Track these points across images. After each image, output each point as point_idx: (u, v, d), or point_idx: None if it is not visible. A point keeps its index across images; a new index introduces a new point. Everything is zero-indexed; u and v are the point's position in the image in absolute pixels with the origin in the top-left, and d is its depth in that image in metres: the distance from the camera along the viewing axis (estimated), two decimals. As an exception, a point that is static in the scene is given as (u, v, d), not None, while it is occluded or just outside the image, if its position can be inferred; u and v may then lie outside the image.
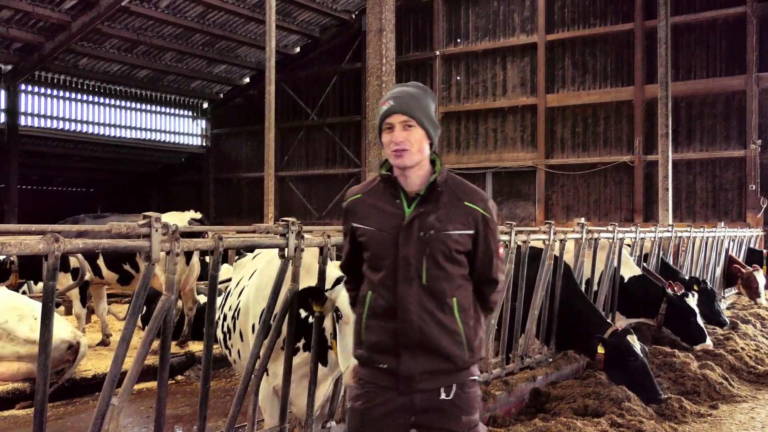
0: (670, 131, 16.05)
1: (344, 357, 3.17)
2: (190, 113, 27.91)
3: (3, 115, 21.80)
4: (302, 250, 3.76)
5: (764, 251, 14.08)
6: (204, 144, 28.29)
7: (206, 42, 22.90)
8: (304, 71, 25.33)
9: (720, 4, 18.39)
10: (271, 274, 3.97)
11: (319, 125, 25.19)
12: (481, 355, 2.81)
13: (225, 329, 4.49)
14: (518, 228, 5.59)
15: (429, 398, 2.69)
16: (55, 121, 23.72)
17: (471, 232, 2.73)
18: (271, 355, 3.80)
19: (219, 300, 4.56)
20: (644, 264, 8.47)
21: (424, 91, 2.80)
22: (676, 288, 7.37)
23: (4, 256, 8.67)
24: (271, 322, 3.77)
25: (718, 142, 18.54)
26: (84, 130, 24.51)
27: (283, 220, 3.73)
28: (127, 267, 8.38)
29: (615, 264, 7.39)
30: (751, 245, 14.95)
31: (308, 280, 3.86)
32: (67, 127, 24.06)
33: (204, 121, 28.25)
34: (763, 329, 9.27)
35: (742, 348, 7.74)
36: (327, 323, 3.73)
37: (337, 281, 3.65)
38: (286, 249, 3.69)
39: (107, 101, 25.13)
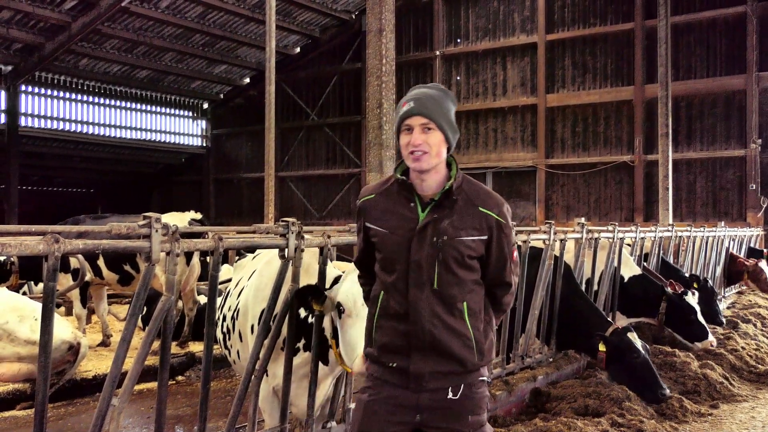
0: (670, 131, 16.05)
1: (350, 349, 3.16)
2: (191, 113, 27.91)
3: (3, 115, 21.80)
4: (302, 250, 3.76)
5: (764, 250, 14.09)
6: (204, 144, 28.29)
7: (206, 42, 22.90)
8: (304, 71, 25.33)
9: (720, 3, 18.37)
10: (270, 274, 3.97)
11: (320, 125, 25.19)
12: (491, 358, 2.81)
13: (224, 329, 4.49)
14: (518, 228, 5.60)
15: (436, 397, 2.69)
16: (55, 122, 23.72)
17: (484, 237, 2.71)
18: (271, 355, 3.80)
19: (219, 300, 4.56)
20: (644, 263, 8.47)
21: (445, 93, 2.76)
22: (676, 287, 7.37)
23: (5, 257, 8.67)
24: (271, 323, 3.77)
25: (719, 141, 18.53)
26: (84, 131, 24.51)
27: (283, 221, 3.73)
28: (127, 267, 8.38)
29: (615, 264, 7.39)
30: (752, 245, 14.98)
31: (308, 280, 3.86)
32: (67, 128, 24.06)
33: (204, 122, 28.25)
34: (764, 328, 9.27)
35: (742, 347, 7.75)
36: (326, 323, 3.73)
37: (336, 280, 3.66)
38: (286, 249, 3.69)
39: (107, 102, 25.13)
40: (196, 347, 8.31)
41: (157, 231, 2.94)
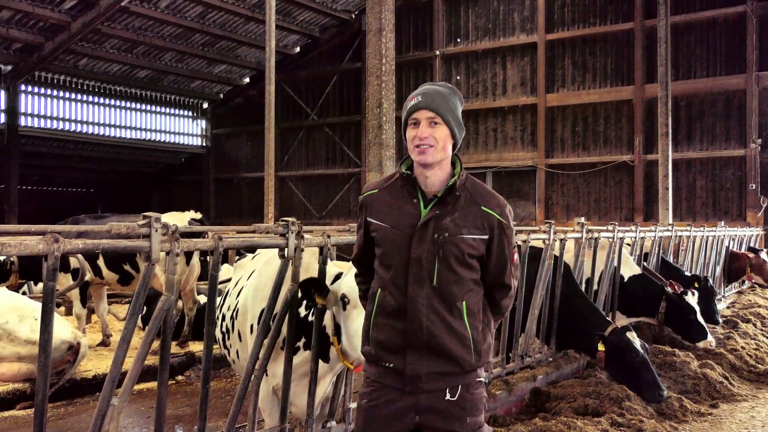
0: (670, 130, 16.05)
1: (356, 339, 3.16)
2: (190, 113, 27.91)
3: (3, 115, 21.80)
4: (302, 250, 3.76)
5: (764, 250, 14.08)
6: (204, 144, 28.30)
7: (206, 42, 22.90)
8: (304, 71, 25.33)
9: (720, 3, 18.38)
10: (269, 274, 3.97)
11: (319, 125, 25.20)
12: (488, 359, 2.81)
13: (224, 329, 4.49)
14: (518, 227, 5.59)
15: (434, 399, 2.69)
16: (55, 122, 23.73)
17: (485, 237, 2.71)
18: (270, 355, 3.80)
19: (218, 300, 4.56)
20: (644, 263, 8.47)
21: (452, 91, 2.78)
22: (675, 287, 7.37)
23: (4, 257, 8.67)
24: (271, 323, 3.77)
25: (718, 141, 18.54)
26: (84, 131, 24.52)
27: (283, 220, 3.73)
28: (127, 267, 8.38)
29: (615, 263, 7.39)
30: (751, 244, 14.96)
31: (307, 279, 3.86)
32: (67, 128, 24.06)
33: (204, 121, 28.25)
34: (764, 328, 9.28)
35: (742, 347, 7.75)
36: (327, 320, 3.73)
37: (337, 277, 3.66)
38: (286, 249, 3.69)
39: (107, 101, 25.13)
40: (196, 347, 8.31)
41: (156, 231, 2.94)
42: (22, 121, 22.34)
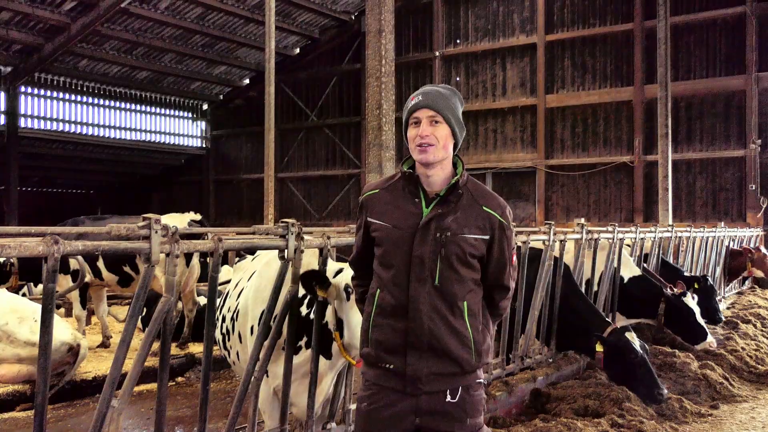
0: (669, 131, 16.05)
1: (359, 330, 3.16)
2: (190, 115, 27.91)
3: (3, 117, 21.80)
4: (302, 251, 3.76)
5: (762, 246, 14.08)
6: (204, 145, 28.30)
7: (206, 43, 22.91)
8: (303, 72, 25.34)
9: (719, 4, 18.38)
10: (269, 275, 3.97)
11: (319, 126, 25.20)
12: (487, 360, 2.81)
13: (224, 331, 4.49)
14: (518, 228, 5.59)
15: (435, 400, 2.69)
16: (54, 123, 23.73)
17: (486, 237, 2.72)
18: (271, 357, 3.79)
19: (218, 302, 4.55)
20: (644, 264, 8.47)
21: (453, 92, 2.80)
22: (677, 288, 7.36)
23: (4, 258, 8.67)
24: (272, 324, 3.76)
25: (718, 142, 18.54)
26: (84, 132, 24.52)
27: (282, 222, 3.73)
28: (127, 269, 8.38)
29: (615, 264, 7.39)
30: (751, 245, 14.95)
31: (307, 280, 3.86)
32: (66, 129, 24.07)
33: (204, 123, 28.26)
34: (763, 329, 9.27)
35: (742, 348, 7.74)
36: (329, 316, 3.72)
37: (338, 273, 3.66)
38: (286, 250, 3.69)
39: (107, 103, 25.14)
40: (196, 348, 8.31)
41: (156, 232, 2.93)
42: (22, 123, 22.35)
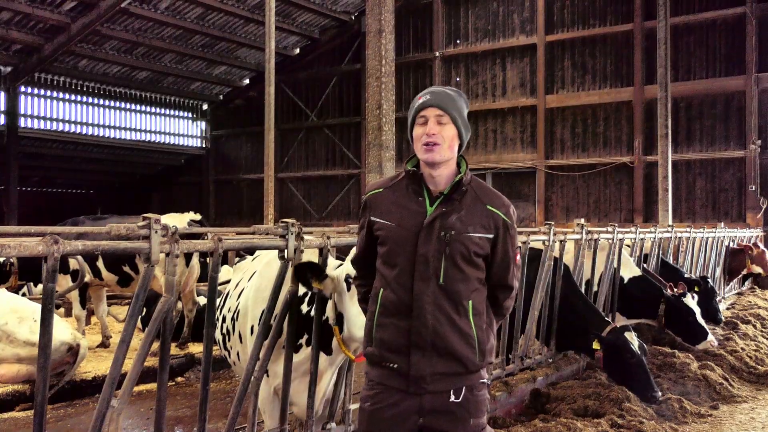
0: (669, 132, 16.05)
1: (360, 319, 3.15)
2: (190, 115, 27.92)
3: (3, 117, 21.82)
4: (302, 251, 3.76)
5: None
6: (204, 145, 28.31)
7: (206, 43, 22.92)
8: (303, 72, 25.35)
9: (719, 4, 18.40)
10: (269, 275, 3.97)
11: (319, 126, 25.21)
12: (491, 360, 2.80)
13: (224, 331, 4.48)
14: (518, 229, 5.57)
15: (438, 400, 2.68)
16: (54, 123, 23.74)
17: (491, 236, 2.72)
18: (271, 356, 3.79)
19: (218, 302, 4.55)
20: (644, 265, 8.47)
21: (459, 94, 2.81)
22: (678, 289, 7.35)
23: (4, 258, 8.67)
24: (272, 323, 3.76)
25: (718, 142, 18.55)
26: (84, 132, 24.54)
27: (282, 222, 3.73)
28: (126, 269, 8.38)
29: (615, 265, 7.38)
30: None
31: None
32: (66, 129, 24.09)
33: (204, 123, 28.27)
34: (763, 329, 9.27)
35: (742, 348, 7.74)
36: (329, 310, 3.71)
37: (338, 268, 3.66)
38: (286, 250, 3.68)
39: (107, 103, 25.16)
40: (196, 348, 8.30)
41: (156, 232, 2.93)
42: (22, 123, 22.37)
